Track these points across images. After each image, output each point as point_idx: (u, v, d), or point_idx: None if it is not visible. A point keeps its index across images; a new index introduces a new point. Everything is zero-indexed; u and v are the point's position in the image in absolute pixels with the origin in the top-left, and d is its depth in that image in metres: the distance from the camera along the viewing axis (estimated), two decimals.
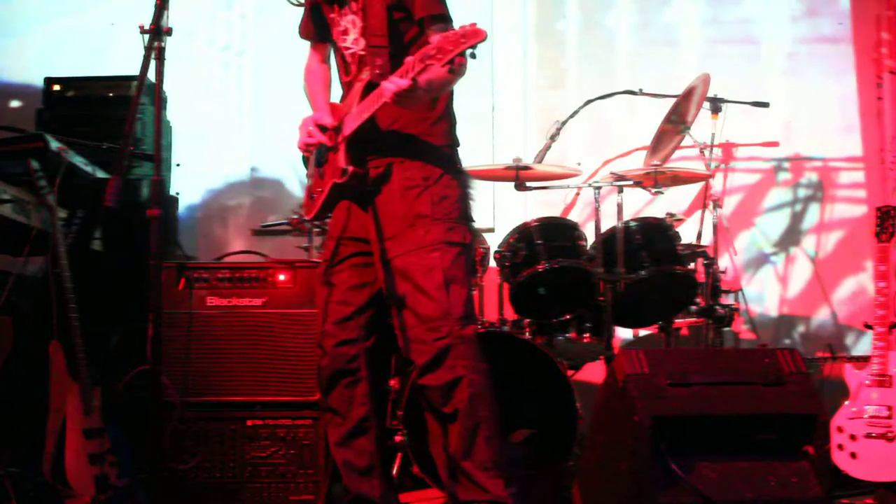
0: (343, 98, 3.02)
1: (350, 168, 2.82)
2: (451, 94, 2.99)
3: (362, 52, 2.89)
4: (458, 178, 2.96)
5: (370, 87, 2.76)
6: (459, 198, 2.93)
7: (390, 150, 2.90)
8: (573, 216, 4.86)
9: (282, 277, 3.76)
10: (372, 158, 2.91)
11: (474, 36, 2.41)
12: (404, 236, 2.85)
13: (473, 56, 2.48)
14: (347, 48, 2.96)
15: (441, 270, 2.80)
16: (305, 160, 4.65)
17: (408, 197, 2.86)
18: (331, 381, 2.97)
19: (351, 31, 2.93)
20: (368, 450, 2.96)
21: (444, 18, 2.83)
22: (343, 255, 3.00)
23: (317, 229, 4.54)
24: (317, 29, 3.12)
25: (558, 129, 4.58)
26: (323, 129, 2.95)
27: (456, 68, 2.49)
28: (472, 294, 3.03)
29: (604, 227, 4.09)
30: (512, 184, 4.23)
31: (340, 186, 2.86)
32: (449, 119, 2.99)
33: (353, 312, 2.96)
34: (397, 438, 3.67)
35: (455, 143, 3.01)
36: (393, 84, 2.59)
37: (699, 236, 4.66)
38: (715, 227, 4.54)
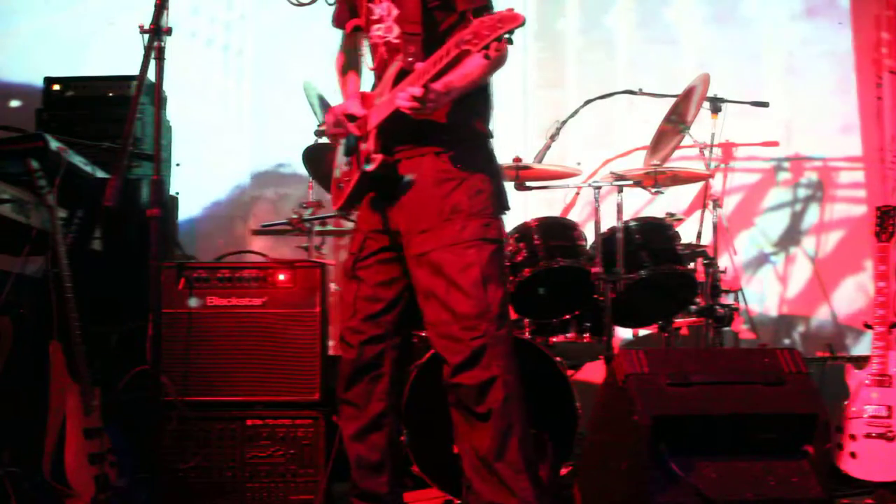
0: (374, 87, 2.96)
1: (379, 156, 2.76)
2: (490, 80, 2.90)
3: (396, 40, 2.84)
4: (494, 172, 2.90)
5: (403, 74, 2.72)
6: (494, 192, 2.86)
7: (425, 140, 2.82)
8: (573, 216, 4.85)
9: (282, 277, 3.76)
10: (404, 149, 2.84)
11: (511, 21, 2.35)
12: (440, 230, 2.77)
13: (510, 41, 2.44)
14: (381, 37, 2.90)
15: (479, 267, 2.74)
16: (306, 160, 4.63)
17: (443, 189, 2.79)
18: (354, 376, 2.92)
19: (385, 20, 2.88)
20: (381, 446, 2.92)
21: (487, 9, 2.74)
22: (371, 250, 2.94)
23: (317, 229, 4.55)
24: (351, 17, 3.05)
25: (558, 129, 4.58)
26: (351, 118, 2.89)
27: (492, 54, 2.41)
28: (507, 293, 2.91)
29: (604, 227, 4.09)
30: (512, 183, 4.23)
31: (369, 176, 2.81)
32: (487, 108, 2.92)
33: (382, 309, 2.91)
34: None
35: (490, 134, 2.93)
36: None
37: (699, 236, 4.66)
38: (715, 226, 4.54)
